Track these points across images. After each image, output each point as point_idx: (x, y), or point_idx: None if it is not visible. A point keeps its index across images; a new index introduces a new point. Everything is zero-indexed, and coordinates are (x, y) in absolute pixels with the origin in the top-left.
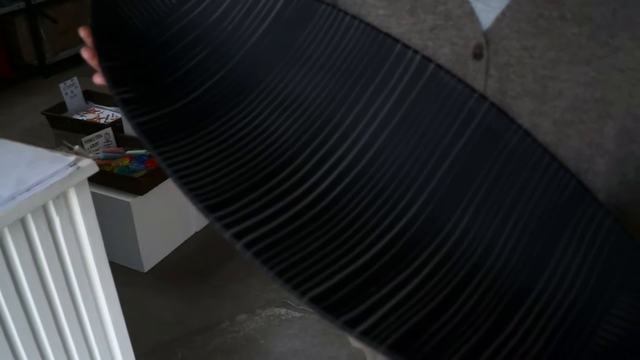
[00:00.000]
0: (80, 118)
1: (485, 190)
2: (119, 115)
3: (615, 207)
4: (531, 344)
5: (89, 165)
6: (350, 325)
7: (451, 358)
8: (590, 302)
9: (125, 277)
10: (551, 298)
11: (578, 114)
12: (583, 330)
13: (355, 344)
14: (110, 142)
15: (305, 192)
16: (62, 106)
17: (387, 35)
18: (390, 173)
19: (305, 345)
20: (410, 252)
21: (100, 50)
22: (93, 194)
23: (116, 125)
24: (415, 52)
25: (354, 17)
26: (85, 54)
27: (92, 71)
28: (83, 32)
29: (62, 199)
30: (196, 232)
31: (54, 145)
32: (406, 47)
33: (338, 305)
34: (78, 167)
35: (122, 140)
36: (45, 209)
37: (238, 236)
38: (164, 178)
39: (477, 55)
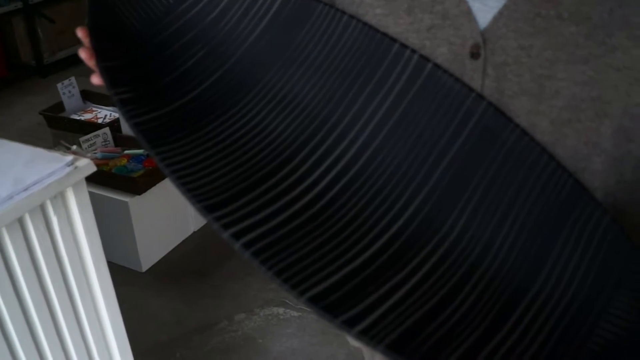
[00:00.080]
0: (78, 118)
1: (482, 190)
2: (117, 115)
3: (613, 206)
4: (529, 343)
5: (86, 165)
6: (349, 325)
7: (449, 357)
8: (588, 301)
9: (123, 276)
10: (549, 297)
11: (575, 113)
12: (581, 330)
13: (354, 343)
14: (108, 142)
15: (303, 191)
16: (59, 106)
17: (385, 34)
18: (388, 173)
19: (303, 345)
20: (408, 252)
21: (97, 51)
22: (91, 194)
23: (114, 125)
24: (413, 51)
25: (352, 17)
26: (83, 54)
27: (89, 71)
28: (80, 33)
29: (59, 198)
30: (194, 232)
31: (52, 145)
32: (404, 46)
33: (336, 305)
34: (76, 167)
35: (119, 140)
36: (43, 208)
37: (236, 236)
38: (162, 178)
39: (475, 54)
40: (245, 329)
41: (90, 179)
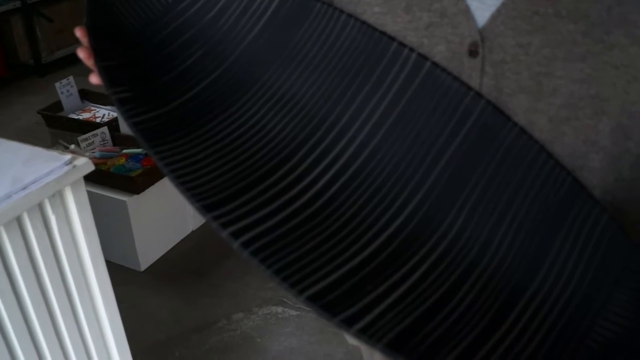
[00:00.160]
0: (76, 117)
1: (481, 188)
2: (115, 114)
3: (611, 204)
4: (527, 341)
5: (84, 164)
6: (348, 324)
7: (448, 356)
8: (587, 299)
9: (121, 276)
10: (547, 296)
11: (573, 111)
12: (579, 328)
13: (352, 341)
14: (106, 141)
15: (302, 190)
16: (58, 105)
17: (383, 33)
18: (386, 171)
19: (302, 344)
20: (407, 251)
21: (96, 50)
22: (89, 193)
23: (112, 124)
24: (411, 50)
25: (350, 16)
26: (82, 53)
27: (88, 70)
28: (79, 32)
29: (58, 197)
30: (193, 231)
31: (50, 144)
32: (402, 45)
33: (335, 304)
34: (74, 166)
35: (118, 139)
36: (41, 207)
37: (235, 235)
38: (160, 177)
39: (473, 52)
40: (243, 328)
41: (89, 178)
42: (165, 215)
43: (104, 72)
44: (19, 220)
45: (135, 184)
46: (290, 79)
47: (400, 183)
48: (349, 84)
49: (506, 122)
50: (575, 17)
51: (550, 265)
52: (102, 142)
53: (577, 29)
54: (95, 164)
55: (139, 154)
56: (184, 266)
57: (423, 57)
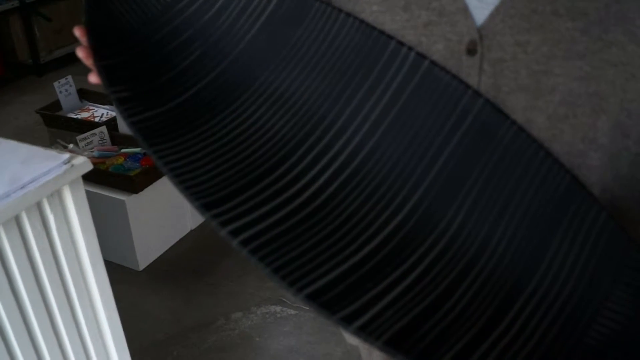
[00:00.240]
0: (75, 117)
1: (479, 187)
2: (114, 114)
3: (610, 202)
4: (526, 338)
5: (83, 163)
6: (347, 321)
7: (447, 353)
8: (586, 297)
9: (120, 275)
10: (546, 293)
11: (572, 109)
12: (578, 325)
13: (351, 341)
14: (104, 141)
15: (301, 189)
16: (56, 105)
17: (381, 32)
18: (385, 170)
19: (300, 343)
20: (406, 249)
21: (95, 49)
22: (88, 193)
23: (111, 124)
24: (410, 48)
25: (348, 14)
26: (80, 53)
27: (86, 70)
28: (78, 32)
29: (56, 196)
30: (191, 230)
31: (49, 143)
32: (400, 44)
33: (335, 302)
34: (72, 165)
35: (116, 138)
36: (39, 206)
37: (234, 233)
38: (159, 176)
39: (471, 51)
40: (242, 328)
41: (87, 178)
42: (163, 215)
43: (103, 71)
44: (17, 220)
45: (133, 184)
46: (289, 77)
47: (399, 181)
48: (347, 82)
49: (504, 120)
50: (574, 15)
51: (549, 263)
52: (100, 142)
53: (575, 27)
54: (94, 164)
55: (137, 153)
56: (182, 266)
57: (421, 56)
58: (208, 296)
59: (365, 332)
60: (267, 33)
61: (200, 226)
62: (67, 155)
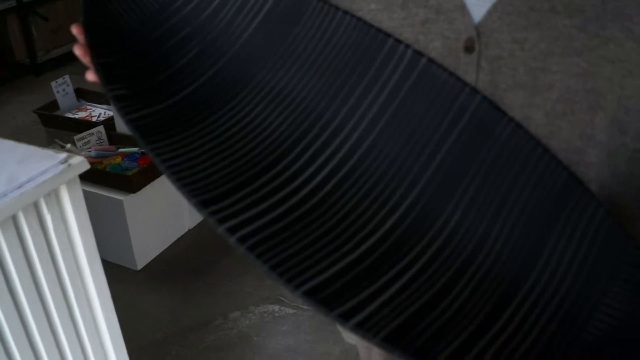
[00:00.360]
0: (72, 116)
1: (477, 184)
2: (111, 113)
3: (608, 198)
4: (524, 335)
5: (80, 163)
6: (345, 318)
7: (445, 350)
8: (583, 293)
9: (118, 275)
10: (544, 290)
11: (569, 106)
12: (576, 321)
13: (349, 339)
14: (102, 140)
15: (299, 186)
16: (54, 104)
17: (379, 29)
18: (382, 167)
19: (298, 342)
20: (403, 246)
21: (92, 47)
22: (85, 193)
23: (108, 123)
24: (407, 46)
25: (346, 12)
26: (78, 51)
27: (84, 69)
28: (75, 29)
29: (53, 196)
30: (189, 230)
31: (46, 143)
32: (398, 41)
33: (332, 298)
34: (69, 165)
35: (114, 138)
36: (36, 206)
37: (232, 230)
38: (157, 176)
39: (469, 48)
40: (240, 327)
41: (85, 178)
42: (161, 214)
43: (100, 69)
44: (14, 220)
45: (131, 183)
46: (287, 75)
47: (397, 179)
48: (345, 80)
49: (502, 117)
50: (571, 12)
51: (547, 259)
52: (98, 141)
53: (572, 23)
54: (92, 163)
55: (135, 153)
56: (180, 265)
57: (419, 53)
58: (206, 295)
59: (363, 329)
60: (264, 31)
61: (198, 225)
62: (64, 155)
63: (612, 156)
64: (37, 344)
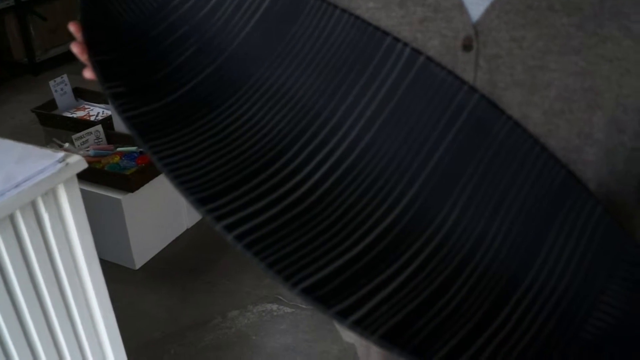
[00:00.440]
0: (70, 115)
1: (475, 182)
2: (109, 113)
3: (606, 196)
4: (522, 333)
5: (77, 162)
6: (343, 315)
7: (443, 348)
8: (581, 291)
9: (116, 274)
10: (542, 288)
11: (567, 104)
12: (574, 319)
13: (347, 338)
14: (100, 140)
15: (297, 184)
16: (52, 104)
17: (377, 28)
18: (380, 166)
19: (297, 341)
20: (401, 244)
21: (90, 45)
22: (84, 192)
23: (106, 123)
24: (405, 44)
25: (344, 11)
26: (75, 48)
27: (82, 68)
28: (73, 27)
29: (51, 195)
30: (188, 229)
31: (44, 143)
32: (396, 39)
33: (330, 296)
34: (67, 164)
35: (112, 137)
36: (34, 205)
37: (229, 228)
38: (155, 175)
39: (467, 47)
40: (238, 326)
41: (83, 177)
42: (160, 214)
43: (97, 66)
44: (11, 219)
45: (129, 182)
46: (285, 74)
47: (395, 177)
48: (343, 78)
49: (500, 115)
50: (569, 10)
51: (545, 258)
52: (96, 141)
53: (570, 22)
54: (90, 162)
55: (133, 152)
56: (178, 264)
57: (417, 52)
58: (204, 295)
59: (361, 327)
60: (262, 29)
61: (197, 225)
62: (61, 154)
63: (610, 154)
64: (35, 343)
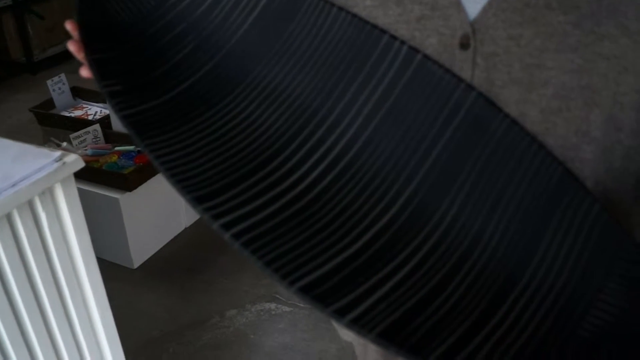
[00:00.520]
0: (68, 115)
1: (473, 180)
2: (107, 112)
3: (603, 194)
4: (520, 331)
5: (74, 161)
6: (340, 314)
7: (440, 346)
8: (579, 289)
9: (115, 273)
10: (540, 286)
11: (565, 102)
12: (572, 317)
13: (345, 337)
14: (98, 139)
15: (294, 183)
16: (49, 103)
17: (374, 26)
18: (378, 164)
19: (295, 340)
20: (399, 243)
21: (86, 43)
22: (82, 191)
23: (104, 122)
24: (403, 42)
25: (341, 9)
26: (72, 46)
27: (79, 66)
28: (69, 25)
29: (48, 194)
30: (186, 228)
31: (42, 142)
32: (393, 37)
33: (327, 294)
34: (64, 163)
35: (110, 136)
36: (31, 204)
37: (226, 227)
38: (153, 174)
39: (464, 45)
40: (237, 325)
41: (81, 176)
42: (158, 213)
43: (94, 65)
44: (8, 218)
45: (127, 182)
46: (282, 72)
47: (392, 174)
48: (340, 76)
49: (497, 113)
50: (566, 8)
51: (542, 256)
52: (94, 140)
53: (567, 20)
54: (88, 162)
55: (131, 151)
56: (177, 263)
57: (414, 50)
58: (203, 294)
59: (358, 325)
60: (259, 27)
61: (195, 224)
62: (58, 153)
63: (607, 152)
64: (33, 343)
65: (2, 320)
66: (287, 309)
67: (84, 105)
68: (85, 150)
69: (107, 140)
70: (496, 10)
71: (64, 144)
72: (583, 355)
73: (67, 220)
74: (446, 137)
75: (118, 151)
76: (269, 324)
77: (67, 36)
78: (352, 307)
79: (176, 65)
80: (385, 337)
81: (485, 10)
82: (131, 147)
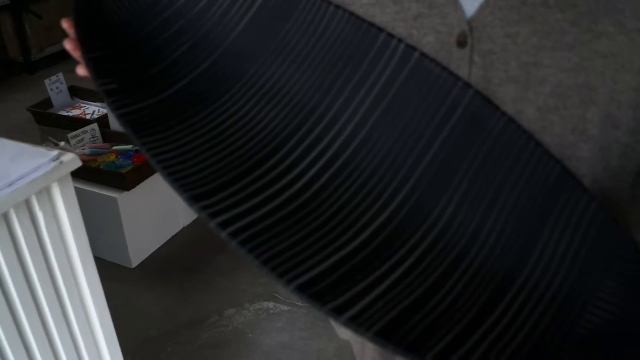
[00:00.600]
0: (66, 114)
1: (470, 178)
2: (105, 111)
3: (600, 192)
4: (518, 329)
5: (72, 160)
6: (337, 312)
7: (438, 344)
8: (576, 287)
9: (112, 272)
10: (537, 284)
11: (562, 100)
12: (569, 315)
13: (343, 335)
14: (96, 138)
15: (291, 181)
16: (47, 102)
17: (371, 24)
18: (375, 162)
19: (293, 339)
20: (396, 240)
21: (83, 42)
22: (79, 190)
23: (102, 121)
24: (400, 40)
25: (338, 7)
26: (68, 45)
27: (76, 65)
28: (66, 24)
29: (45, 193)
30: (184, 227)
31: (40, 141)
32: (390, 35)
33: (325, 292)
34: (61, 162)
35: (108, 135)
36: (28, 203)
37: (223, 225)
38: (151, 173)
39: (461, 43)
40: (235, 324)
41: (79, 175)
42: (156, 212)
43: (91, 63)
44: (5, 217)
45: (125, 181)
46: (279, 70)
47: (390, 172)
48: (337, 74)
49: (495, 111)
50: (563, 6)
51: (540, 254)
52: (92, 139)
53: (565, 18)
54: (85, 161)
55: (129, 150)
56: (175, 262)
57: (411, 48)
58: (201, 293)
59: (356, 323)
60: (256, 25)
61: (193, 223)
62: (55, 152)
63: (604, 151)
64: (30, 342)
65: None
66: (285, 307)
67: (82, 105)
68: (83, 149)
69: (104, 140)
70: (493, 8)
71: (62, 143)
72: (580, 353)
73: (64, 219)
74: (443, 135)
75: (116, 150)
76: (267, 323)
77: (65, 35)
78: (350, 305)
79: (173, 63)
80: (383, 336)
81: (482, 8)
82: (129, 147)
